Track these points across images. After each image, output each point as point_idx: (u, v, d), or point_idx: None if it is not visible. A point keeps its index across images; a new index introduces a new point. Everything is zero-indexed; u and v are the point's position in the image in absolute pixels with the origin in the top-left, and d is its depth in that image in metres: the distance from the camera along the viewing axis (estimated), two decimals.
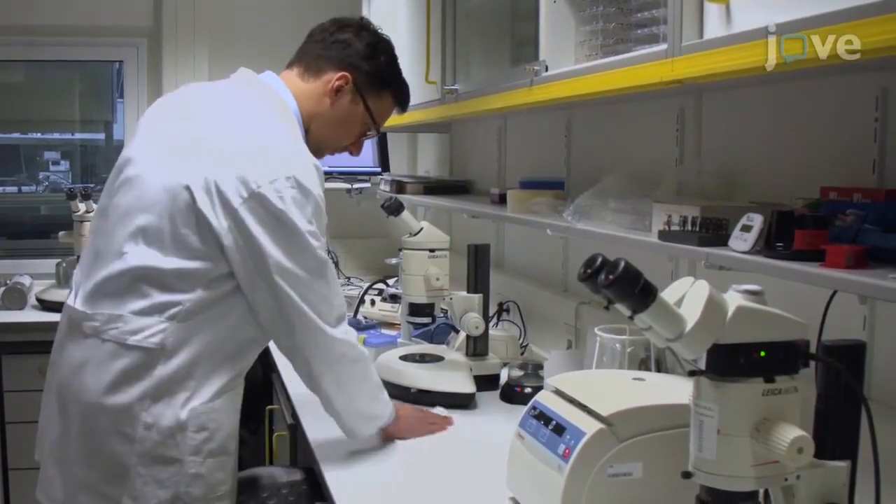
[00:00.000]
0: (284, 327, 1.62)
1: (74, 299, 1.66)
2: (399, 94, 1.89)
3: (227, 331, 1.61)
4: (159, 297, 1.56)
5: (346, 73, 1.78)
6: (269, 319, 1.62)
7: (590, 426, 1.30)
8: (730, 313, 1.04)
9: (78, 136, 4.50)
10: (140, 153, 1.67)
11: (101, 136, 4.50)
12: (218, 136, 1.62)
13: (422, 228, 2.52)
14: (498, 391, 2.20)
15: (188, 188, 1.55)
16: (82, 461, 1.58)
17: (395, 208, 2.52)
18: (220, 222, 1.54)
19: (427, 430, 1.90)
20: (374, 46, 1.81)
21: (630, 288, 1.01)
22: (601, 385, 1.53)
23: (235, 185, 1.54)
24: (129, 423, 1.55)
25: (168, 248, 1.56)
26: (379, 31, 1.86)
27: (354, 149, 1.90)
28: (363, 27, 1.84)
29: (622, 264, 1.01)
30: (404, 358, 2.23)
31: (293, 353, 1.67)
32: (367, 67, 1.80)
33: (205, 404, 1.58)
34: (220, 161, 1.57)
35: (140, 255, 1.57)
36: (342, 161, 3.85)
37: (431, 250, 2.50)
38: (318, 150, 1.77)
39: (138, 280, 1.57)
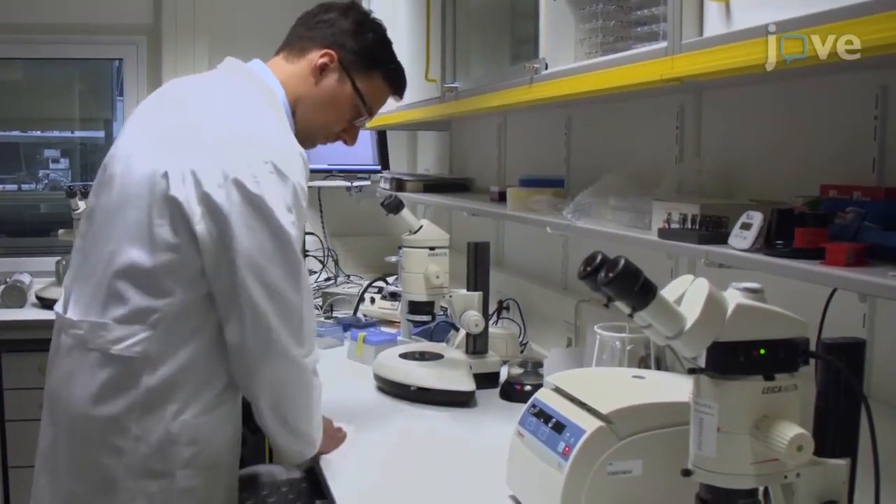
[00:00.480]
0: (237, 324, 1.51)
1: (64, 307, 1.62)
2: (391, 75, 1.79)
3: (214, 338, 1.54)
4: (139, 302, 1.50)
5: (330, 51, 1.71)
6: (222, 315, 1.52)
7: (589, 424, 1.30)
8: (729, 311, 1.04)
9: (77, 134, 4.50)
10: (125, 149, 1.62)
11: (101, 134, 4.50)
12: (202, 126, 1.56)
13: (421, 226, 2.53)
14: (498, 389, 2.19)
15: (165, 175, 1.49)
16: (71, 473, 1.55)
17: (394, 206, 2.52)
18: (192, 208, 1.47)
19: (337, 443, 1.81)
20: (360, 24, 1.74)
21: (630, 286, 1.01)
22: (601, 383, 1.53)
23: (212, 172, 1.47)
24: (118, 435, 1.50)
25: (145, 243, 1.50)
26: (370, 13, 1.80)
27: (347, 136, 1.81)
28: (350, 7, 1.78)
29: (622, 262, 1.01)
30: (404, 356, 2.23)
31: (238, 354, 1.53)
32: (354, 45, 1.72)
33: (197, 417, 1.53)
34: (201, 150, 1.51)
35: (122, 254, 1.51)
36: (342, 159, 3.86)
37: (431, 248, 2.51)
38: (307, 136, 1.71)
39: (120, 279, 1.51)
